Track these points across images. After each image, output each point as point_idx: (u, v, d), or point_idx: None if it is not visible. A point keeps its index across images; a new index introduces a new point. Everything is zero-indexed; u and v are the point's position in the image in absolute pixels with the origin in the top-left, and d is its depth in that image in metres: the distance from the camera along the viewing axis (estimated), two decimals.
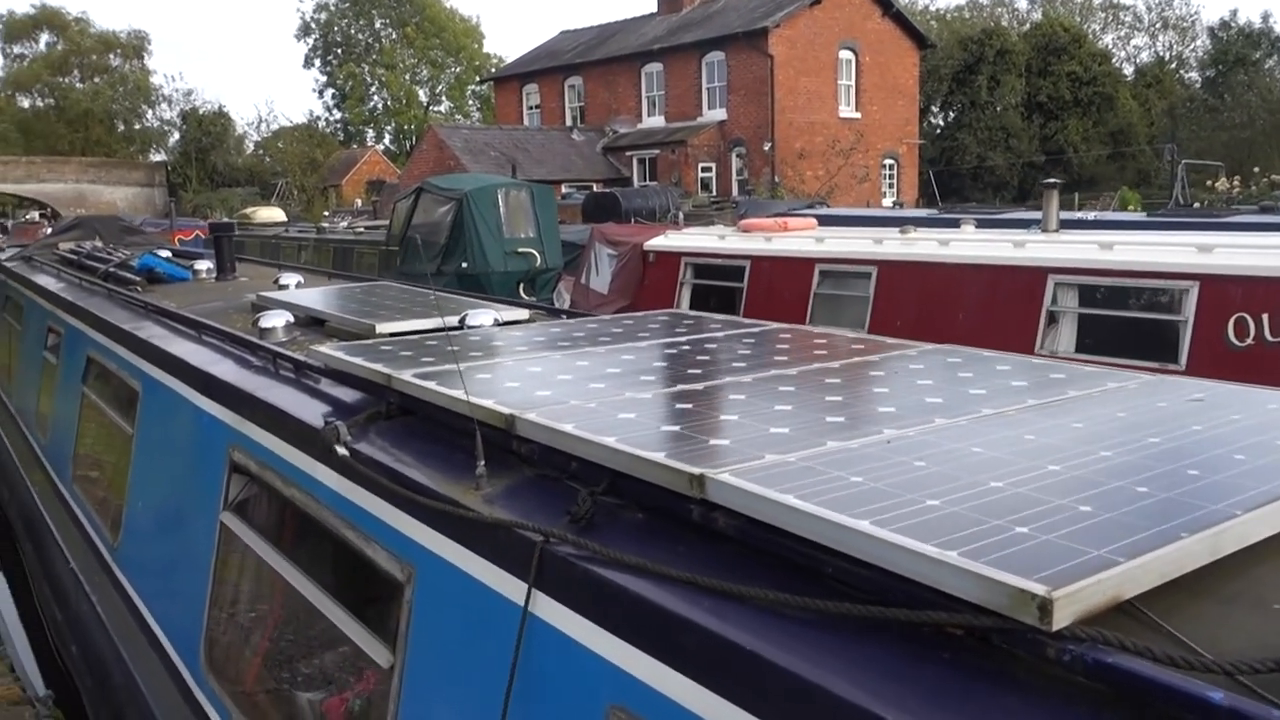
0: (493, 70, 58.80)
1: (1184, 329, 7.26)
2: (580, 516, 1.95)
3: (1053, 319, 8.11)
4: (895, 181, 39.31)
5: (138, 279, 6.44)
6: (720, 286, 11.33)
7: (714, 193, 35.78)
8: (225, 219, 34.14)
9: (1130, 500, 1.56)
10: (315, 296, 4.84)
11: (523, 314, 4.30)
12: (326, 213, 35.32)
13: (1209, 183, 17.37)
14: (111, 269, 6.80)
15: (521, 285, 15.44)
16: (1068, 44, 45.39)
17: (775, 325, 3.60)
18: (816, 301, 10.02)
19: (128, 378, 4.86)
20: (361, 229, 20.31)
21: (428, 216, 16.40)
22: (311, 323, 4.43)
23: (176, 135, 60.75)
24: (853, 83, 37.73)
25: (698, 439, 2.02)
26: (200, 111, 59.49)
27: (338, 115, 67.40)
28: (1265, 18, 45.73)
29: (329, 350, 3.21)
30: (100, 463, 5.37)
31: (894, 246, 9.53)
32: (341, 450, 2.62)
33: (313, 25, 67.00)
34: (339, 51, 67.01)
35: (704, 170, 36.41)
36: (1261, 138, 35.25)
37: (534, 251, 15.88)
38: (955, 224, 10.61)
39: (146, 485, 4.44)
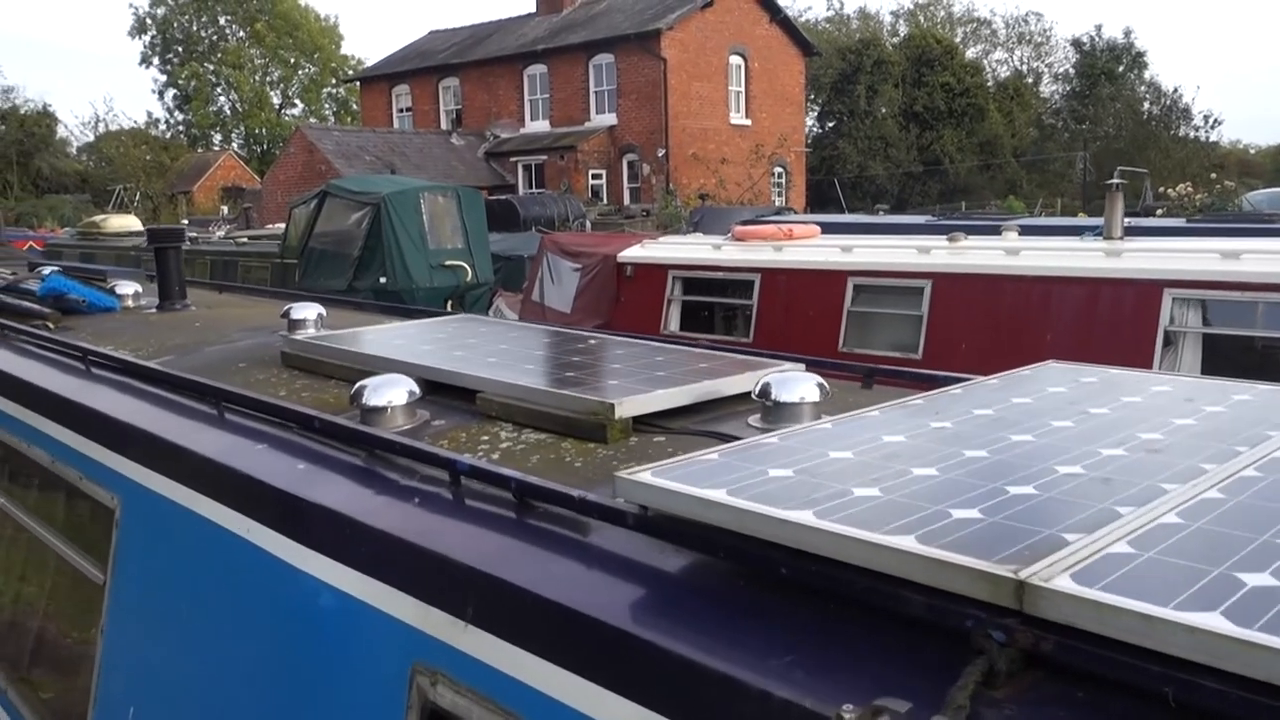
0: (350, 72, 55.53)
1: None
2: None
3: (1170, 340, 6.91)
4: (784, 190, 38.72)
5: (45, 310, 4.40)
6: (722, 304, 9.79)
7: (605, 200, 34.27)
8: (63, 228, 30.30)
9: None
10: (407, 344, 2.98)
11: (799, 367, 2.61)
12: (185, 221, 31.87)
13: (1162, 190, 17.02)
14: None
15: (450, 303, 13.50)
16: (940, 55, 45.99)
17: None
18: (850, 320, 8.60)
19: (82, 481, 2.91)
20: (244, 239, 17.78)
21: (335, 224, 14.20)
22: (435, 390, 2.62)
23: None
24: (743, 89, 36.90)
25: None
26: (21, 110, 53.70)
27: (180, 117, 62.45)
28: (1127, 33, 47.76)
29: (724, 498, 1.47)
30: (16, 625, 3.35)
31: (948, 257, 8.19)
32: None
33: (148, 22, 62.01)
34: (179, 50, 62.12)
35: (594, 177, 34.79)
36: (1131, 147, 36.31)
37: (463, 264, 13.95)
38: (995, 231, 9.39)
39: (137, 694, 2.53)
